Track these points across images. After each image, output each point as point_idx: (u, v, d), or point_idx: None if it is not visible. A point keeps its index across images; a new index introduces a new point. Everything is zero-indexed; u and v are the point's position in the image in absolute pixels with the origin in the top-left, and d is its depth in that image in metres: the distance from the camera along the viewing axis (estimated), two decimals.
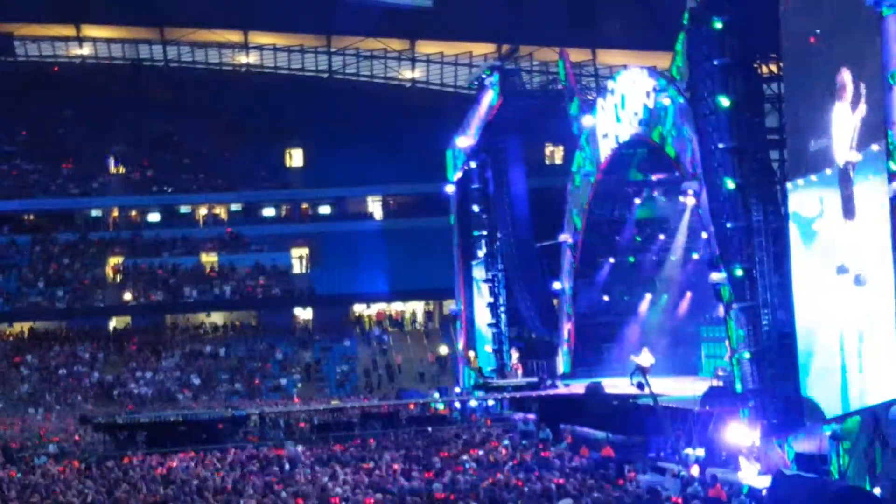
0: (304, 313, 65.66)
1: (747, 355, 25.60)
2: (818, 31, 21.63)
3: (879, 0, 18.92)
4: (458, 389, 48.03)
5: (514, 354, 45.52)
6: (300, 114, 71.32)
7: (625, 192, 39.01)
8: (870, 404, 20.57)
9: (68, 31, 77.03)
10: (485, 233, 47.93)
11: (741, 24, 25.83)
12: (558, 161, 61.21)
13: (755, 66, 26.12)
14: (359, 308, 65.92)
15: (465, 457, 27.31)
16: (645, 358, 33.43)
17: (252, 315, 65.05)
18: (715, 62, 26.05)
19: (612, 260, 40.66)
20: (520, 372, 43.88)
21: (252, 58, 79.01)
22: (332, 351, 61.42)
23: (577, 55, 59.60)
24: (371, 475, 24.71)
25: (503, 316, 46.70)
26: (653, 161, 35.43)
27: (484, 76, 47.05)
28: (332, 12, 69.31)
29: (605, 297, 41.37)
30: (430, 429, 34.91)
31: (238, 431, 35.25)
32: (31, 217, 69.94)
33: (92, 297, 64.24)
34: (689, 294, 39.07)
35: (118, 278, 65.58)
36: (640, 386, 31.46)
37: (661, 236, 39.24)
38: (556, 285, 42.77)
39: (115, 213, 70.94)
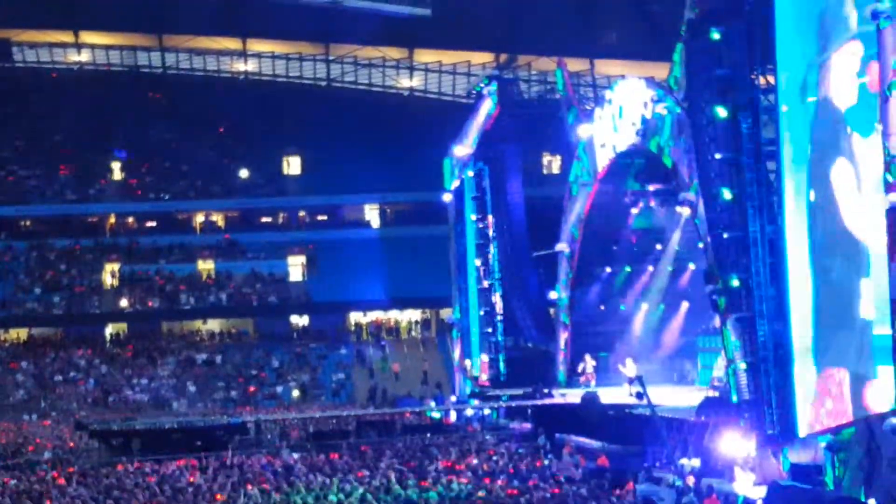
0: (300, 321, 65.61)
1: (743, 366, 25.59)
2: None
3: (876, 13, 18.97)
4: (454, 398, 47.99)
5: (590, 362, 40.12)
6: (298, 121, 71.40)
7: (622, 201, 39.02)
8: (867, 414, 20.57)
9: (66, 37, 77.06)
10: (482, 242, 47.89)
11: (739, 35, 25.83)
12: (556, 170, 61.12)
13: (753, 77, 26.12)
14: (355, 316, 65.90)
15: (460, 466, 27.25)
16: (630, 369, 33.40)
17: (248, 322, 65.01)
18: (713, 73, 26.08)
19: (608, 270, 40.64)
20: (593, 382, 39.60)
21: (250, 65, 79.08)
22: (328, 359, 61.37)
23: (575, 65, 59.55)
24: (366, 483, 24.65)
25: (499, 325, 46.62)
26: (650, 171, 35.43)
27: (482, 85, 47.13)
28: (331, 20, 69.42)
29: (602, 307, 41.33)
30: (428, 435, 34.82)
31: (233, 439, 35.19)
32: (28, 223, 69.95)
33: (88, 303, 64.24)
34: (685, 304, 39.09)
35: (115, 285, 65.58)
36: (640, 396, 31.39)
37: (658, 246, 39.22)
38: (553, 295, 42.74)
39: (112, 220, 70.92)
